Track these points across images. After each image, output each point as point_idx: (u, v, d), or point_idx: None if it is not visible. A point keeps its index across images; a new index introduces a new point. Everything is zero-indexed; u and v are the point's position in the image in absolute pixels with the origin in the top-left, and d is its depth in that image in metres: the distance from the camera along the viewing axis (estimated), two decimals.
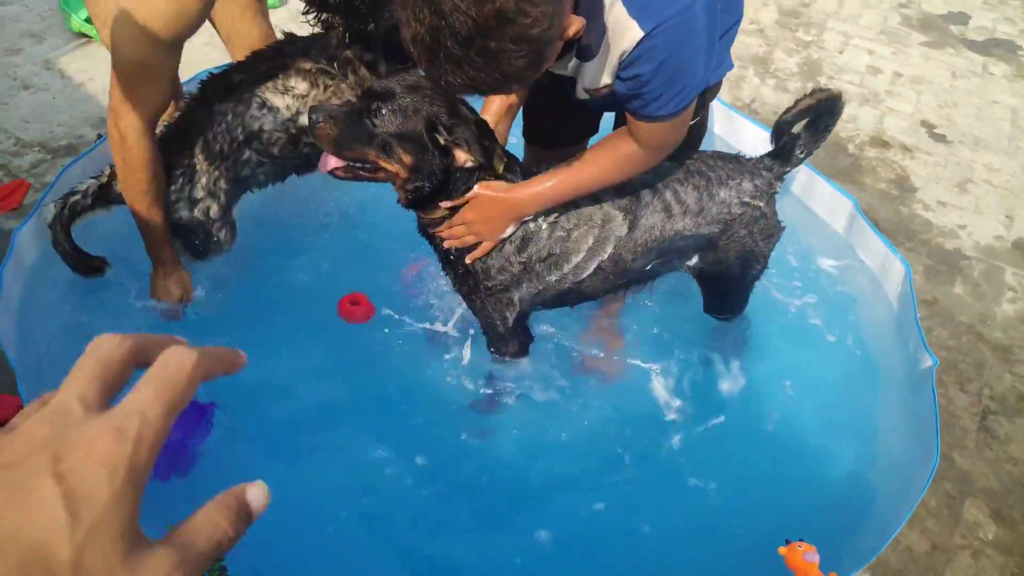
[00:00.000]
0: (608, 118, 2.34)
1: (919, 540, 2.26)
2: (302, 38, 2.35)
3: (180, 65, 2.14)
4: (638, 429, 2.40)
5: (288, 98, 2.31)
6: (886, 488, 2.25)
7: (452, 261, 2.09)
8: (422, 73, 1.89)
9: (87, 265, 2.43)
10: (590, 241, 2.05)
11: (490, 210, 1.91)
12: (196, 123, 2.29)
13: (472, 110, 1.90)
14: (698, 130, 2.27)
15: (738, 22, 1.96)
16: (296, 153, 2.42)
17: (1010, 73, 4.44)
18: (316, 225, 2.93)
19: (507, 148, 2.03)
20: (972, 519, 2.32)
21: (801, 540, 1.94)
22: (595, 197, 2.04)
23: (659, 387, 2.47)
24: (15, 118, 3.45)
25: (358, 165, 1.88)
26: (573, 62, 1.81)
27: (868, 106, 4.10)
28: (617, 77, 1.74)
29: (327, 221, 2.95)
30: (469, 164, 1.87)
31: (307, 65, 2.31)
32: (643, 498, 2.27)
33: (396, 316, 2.57)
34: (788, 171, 2.24)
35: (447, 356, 2.48)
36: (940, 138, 3.90)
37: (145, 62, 1.97)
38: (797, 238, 2.94)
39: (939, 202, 3.51)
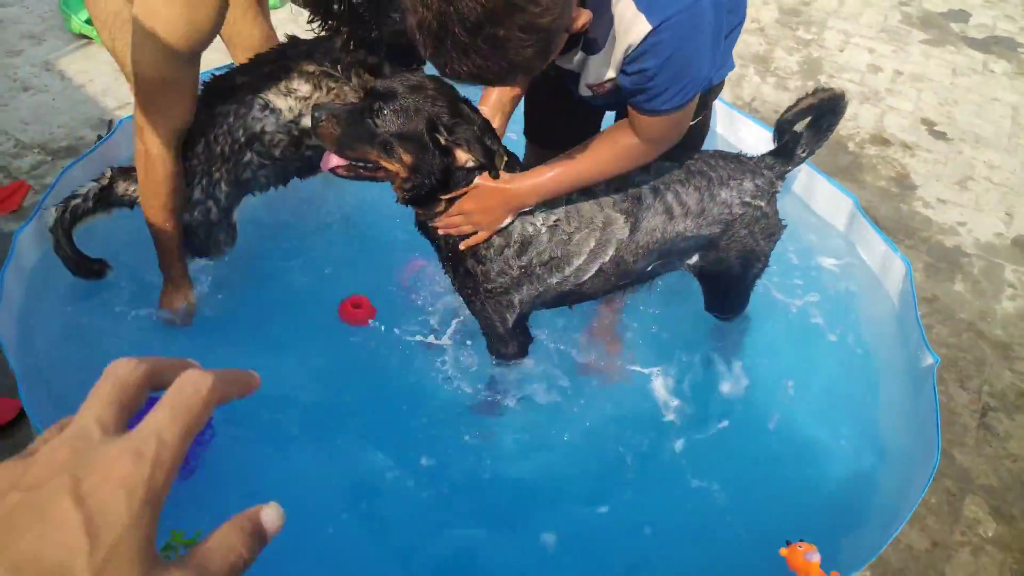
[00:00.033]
0: (609, 116, 2.34)
1: (919, 538, 2.26)
2: (305, 41, 2.35)
3: None
4: (639, 430, 2.40)
5: (291, 100, 2.32)
6: (887, 486, 2.25)
7: (452, 263, 2.10)
8: (425, 73, 1.90)
9: (88, 269, 2.43)
10: (592, 244, 2.05)
11: (490, 200, 1.91)
12: (197, 124, 2.29)
13: (475, 110, 1.90)
14: (700, 130, 2.27)
15: (741, 23, 1.96)
16: (298, 155, 2.42)
17: (1010, 70, 4.44)
18: (317, 227, 2.93)
19: (506, 145, 2.03)
20: (972, 516, 2.33)
21: (801, 540, 1.94)
22: (596, 199, 2.04)
23: (660, 388, 2.47)
24: (15, 120, 3.46)
25: (359, 164, 1.88)
26: (578, 56, 1.80)
27: (868, 104, 4.10)
28: (622, 71, 1.74)
29: (328, 222, 2.95)
30: (470, 164, 1.87)
31: (310, 68, 2.32)
32: (645, 499, 2.27)
33: (397, 318, 2.57)
34: (790, 170, 2.24)
35: (448, 358, 2.48)
36: (940, 136, 3.90)
37: (163, 77, 1.99)
38: (798, 236, 2.94)
39: (939, 199, 3.51)
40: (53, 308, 2.54)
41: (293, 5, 2.22)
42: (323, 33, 2.13)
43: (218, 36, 2.63)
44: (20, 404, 2.24)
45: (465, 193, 1.92)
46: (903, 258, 2.73)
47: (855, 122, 3.94)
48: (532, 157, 2.46)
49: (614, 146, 1.90)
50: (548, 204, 2.02)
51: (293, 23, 3.85)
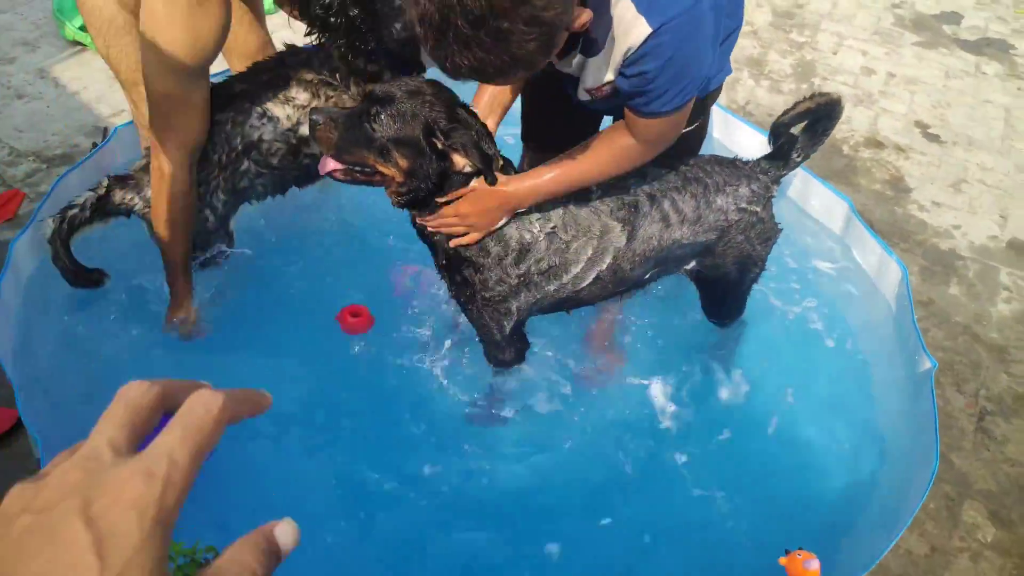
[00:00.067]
0: (607, 119, 2.34)
1: (918, 543, 2.27)
2: (304, 49, 2.35)
3: None
4: (639, 438, 2.40)
5: (289, 108, 2.31)
6: (885, 492, 2.26)
7: (450, 271, 2.09)
8: (424, 79, 1.90)
9: (86, 279, 2.42)
10: (589, 252, 2.05)
11: (488, 202, 1.91)
12: None
13: (473, 114, 1.90)
14: (698, 136, 2.27)
15: (738, 28, 1.97)
16: (296, 164, 2.42)
17: (1002, 72, 4.46)
18: (314, 236, 2.92)
19: (501, 148, 2.03)
20: (971, 521, 2.33)
21: (800, 548, 1.95)
22: (594, 208, 2.04)
23: (659, 395, 2.47)
24: (9, 127, 3.44)
25: (356, 168, 1.88)
26: (577, 58, 1.80)
27: (862, 107, 4.11)
28: (620, 74, 1.74)
29: (326, 230, 2.94)
30: (468, 169, 1.87)
31: (309, 76, 2.31)
32: (645, 507, 2.27)
33: (395, 327, 2.57)
34: (785, 174, 2.24)
35: (446, 366, 2.48)
36: (934, 138, 3.92)
37: (172, 94, 2.01)
38: (794, 240, 2.95)
39: (934, 202, 3.52)
40: (50, 317, 2.53)
41: (282, 8, 2.22)
42: (321, 42, 2.14)
43: None
44: (17, 414, 2.23)
45: (462, 196, 1.91)
46: (899, 262, 2.74)
47: (849, 125, 3.95)
48: (529, 161, 2.46)
49: (612, 148, 1.90)
50: (545, 212, 2.02)
51: (287, 28, 3.84)
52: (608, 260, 2.08)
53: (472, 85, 2.15)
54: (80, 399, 2.35)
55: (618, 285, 2.19)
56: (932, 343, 2.80)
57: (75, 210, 2.29)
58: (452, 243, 1.99)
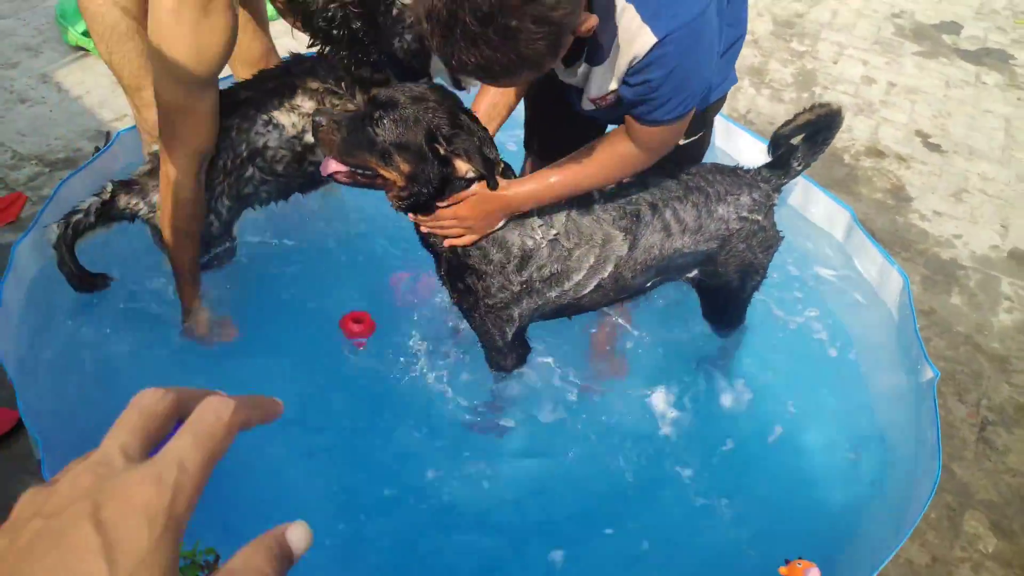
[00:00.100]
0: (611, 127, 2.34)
1: (919, 553, 2.26)
2: (309, 58, 2.36)
3: None
4: (640, 446, 2.40)
5: (294, 116, 2.32)
6: (887, 501, 2.26)
7: (452, 278, 2.09)
8: (429, 84, 1.90)
9: (91, 283, 2.42)
10: (591, 260, 2.06)
11: (487, 207, 1.90)
12: None
13: (476, 120, 1.90)
14: (701, 146, 2.28)
15: (742, 36, 1.97)
16: (300, 171, 2.42)
17: (1002, 82, 4.47)
18: (317, 241, 2.92)
19: (503, 155, 2.03)
20: (972, 531, 2.33)
21: (800, 558, 1.95)
22: (596, 216, 2.04)
23: (661, 404, 2.47)
24: (12, 131, 3.45)
25: (358, 171, 1.88)
26: (583, 67, 1.80)
27: (863, 116, 4.12)
28: (624, 82, 1.74)
29: (328, 235, 2.94)
30: (470, 175, 1.87)
31: (314, 84, 2.32)
32: (647, 515, 2.27)
33: (397, 333, 2.57)
34: (786, 182, 2.25)
35: (448, 372, 2.48)
36: (935, 148, 3.93)
37: (180, 102, 2.01)
38: (795, 248, 2.95)
39: (935, 212, 3.53)
40: (51, 319, 2.54)
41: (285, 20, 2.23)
42: (324, 53, 2.15)
43: None
44: (18, 415, 2.23)
45: (462, 200, 1.91)
46: (900, 271, 2.74)
47: (850, 134, 3.96)
48: (531, 168, 2.47)
49: (612, 155, 1.90)
50: (548, 219, 2.02)
51: (288, 35, 3.85)
52: (610, 268, 2.08)
53: (474, 92, 2.17)
54: (81, 400, 2.35)
55: (619, 293, 2.19)
56: (933, 353, 2.80)
57: (79, 215, 2.29)
58: (447, 243, 1.98)
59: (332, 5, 1.99)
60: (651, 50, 1.62)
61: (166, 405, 0.50)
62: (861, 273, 2.94)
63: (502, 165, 1.94)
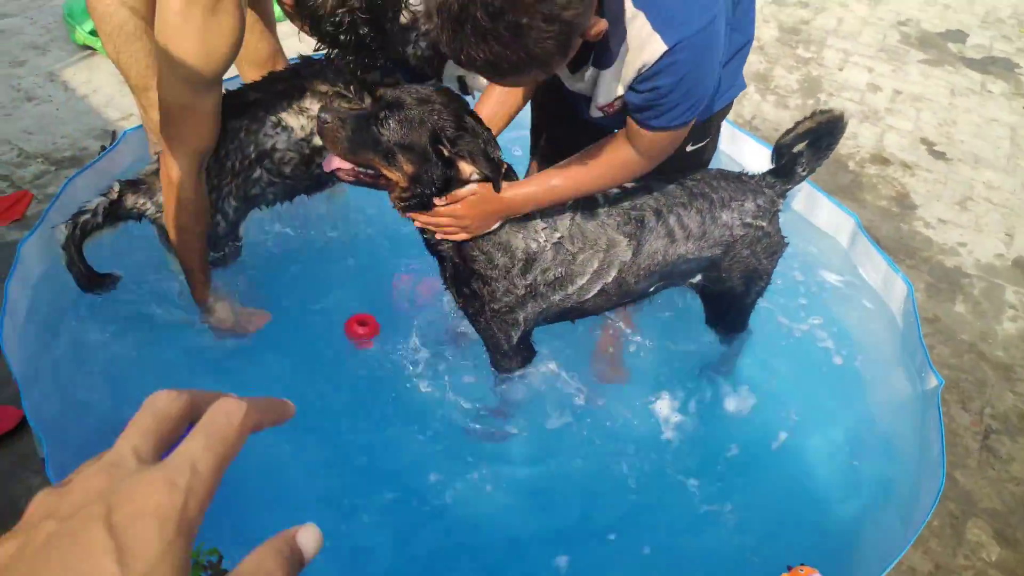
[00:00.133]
0: None
1: (922, 561, 2.26)
2: (319, 60, 2.36)
3: None
4: (644, 451, 2.40)
5: (303, 119, 2.32)
6: (890, 509, 2.25)
7: (457, 282, 2.09)
8: (434, 87, 1.90)
9: (99, 284, 2.41)
10: (595, 264, 2.05)
11: (486, 207, 1.90)
12: None
13: (481, 123, 1.90)
14: (708, 152, 2.28)
15: (749, 42, 1.97)
16: (307, 174, 2.43)
17: (1008, 91, 4.47)
18: (322, 243, 2.92)
19: (508, 160, 2.03)
20: (975, 540, 2.32)
21: (803, 564, 1.94)
22: (600, 221, 2.04)
23: (665, 409, 2.47)
24: (18, 129, 3.46)
25: (360, 170, 1.88)
26: (590, 72, 1.80)
27: (868, 123, 4.12)
28: (631, 88, 1.74)
29: (333, 238, 2.95)
30: (475, 177, 1.87)
31: (323, 87, 2.33)
32: (651, 521, 2.26)
33: (401, 336, 2.57)
34: (790, 188, 2.25)
35: (451, 375, 2.48)
36: (940, 155, 3.93)
37: (184, 102, 2.00)
38: (799, 255, 2.95)
39: (939, 219, 3.53)
40: (56, 317, 2.54)
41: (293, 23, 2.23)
42: (331, 57, 2.15)
43: None
44: (22, 413, 2.23)
45: (461, 199, 1.89)
46: (905, 279, 2.74)
47: (855, 141, 3.96)
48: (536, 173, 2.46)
49: (611, 160, 1.90)
50: (551, 222, 2.02)
51: (295, 37, 3.85)
52: (614, 273, 2.08)
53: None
54: (85, 399, 2.36)
55: (623, 297, 2.19)
56: (937, 360, 2.80)
57: (87, 215, 2.29)
58: (438, 235, 1.97)
59: (340, 10, 1.99)
60: (661, 58, 1.62)
61: (179, 407, 0.50)
62: (866, 280, 2.94)
63: (505, 167, 1.94)
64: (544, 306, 2.11)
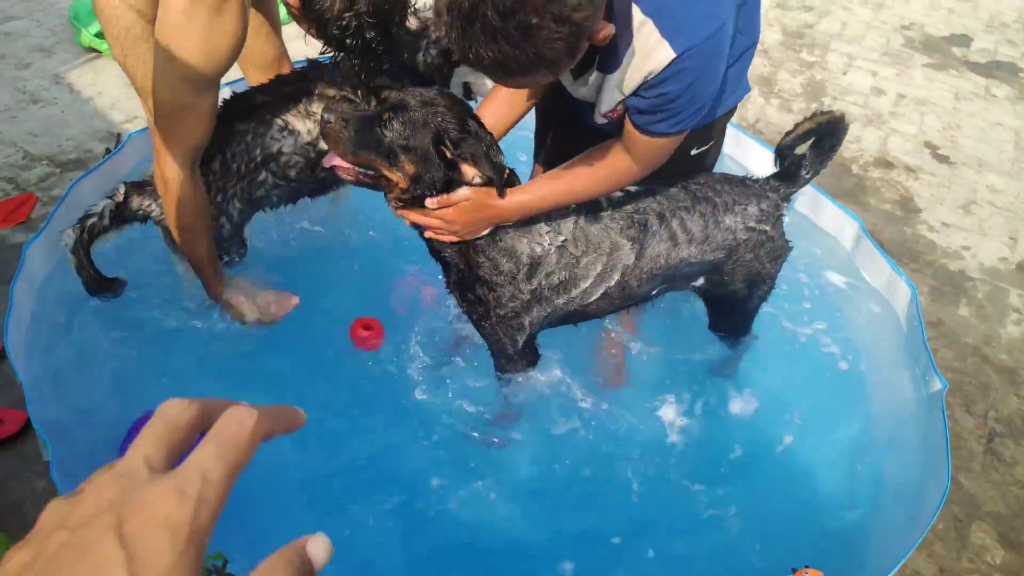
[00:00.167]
0: None
1: (926, 564, 2.26)
2: (326, 64, 2.37)
3: None
4: (648, 455, 2.40)
5: (310, 122, 2.33)
6: (895, 512, 2.25)
7: (461, 288, 2.09)
8: (438, 91, 1.91)
9: (108, 288, 2.42)
10: (598, 268, 2.05)
11: (477, 214, 1.89)
12: (215, 141, 2.29)
13: (483, 126, 1.90)
14: (713, 155, 2.28)
15: (754, 45, 1.97)
16: (312, 177, 2.43)
17: (1012, 95, 4.47)
18: (326, 247, 2.92)
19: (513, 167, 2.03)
20: (979, 543, 2.32)
21: (807, 567, 1.94)
22: (603, 225, 2.04)
23: (669, 413, 2.47)
24: (23, 132, 3.47)
25: (361, 170, 1.88)
26: (594, 76, 1.80)
27: (872, 127, 4.12)
28: (636, 94, 1.74)
29: (338, 241, 2.95)
30: (477, 180, 1.87)
31: (331, 91, 2.33)
32: (653, 525, 2.27)
33: (405, 340, 2.57)
34: (795, 192, 2.24)
35: (456, 381, 2.48)
36: (944, 159, 3.93)
37: (183, 103, 2.00)
38: (804, 256, 2.95)
39: (943, 223, 3.52)
40: (61, 320, 2.54)
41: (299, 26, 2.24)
42: (337, 60, 2.16)
43: None
44: (27, 416, 2.23)
45: (454, 204, 1.88)
46: (908, 282, 2.74)
47: (859, 145, 3.96)
48: None
49: (605, 168, 1.90)
50: (555, 225, 2.01)
51: (300, 40, 3.86)
52: (617, 277, 2.08)
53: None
54: (90, 402, 2.36)
55: (626, 301, 2.19)
56: (941, 364, 2.79)
57: (93, 218, 2.29)
58: (427, 234, 1.97)
59: (347, 14, 1.99)
60: (669, 65, 1.62)
61: (191, 416, 0.50)
62: (870, 284, 2.94)
63: (508, 172, 1.94)
64: (548, 310, 2.11)
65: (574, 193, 1.93)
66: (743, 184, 2.19)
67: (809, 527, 2.26)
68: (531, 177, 2.54)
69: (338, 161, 1.86)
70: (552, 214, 2.00)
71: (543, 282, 2.03)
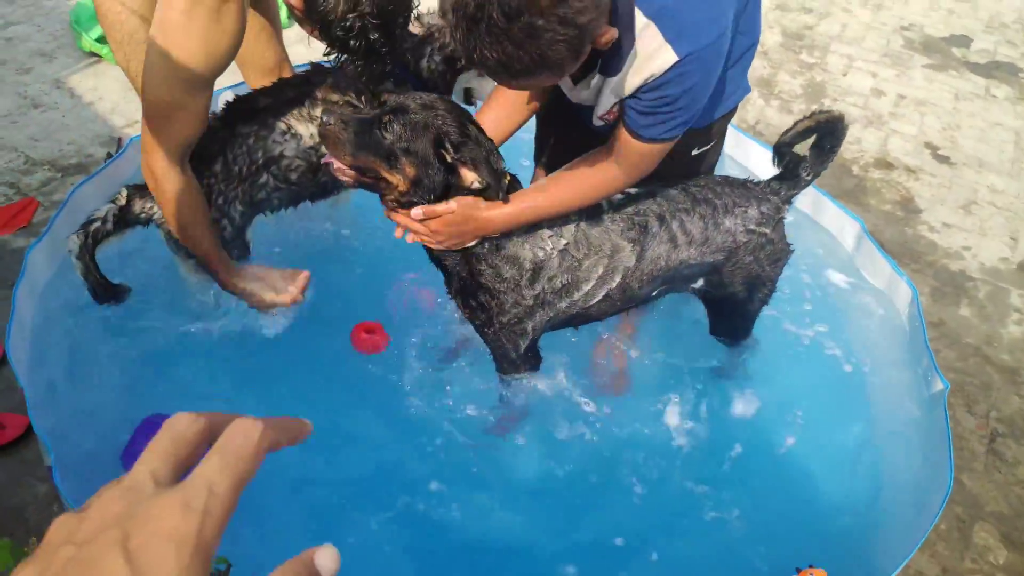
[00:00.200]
0: None
1: (929, 564, 2.25)
2: (330, 69, 2.38)
3: None
4: (650, 458, 2.39)
5: (312, 126, 2.33)
6: (897, 512, 2.25)
7: (464, 296, 2.08)
8: (437, 96, 1.91)
9: (114, 294, 2.41)
10: (600, 270, 2.05)
11: (463, 227, 1.88)
12: (217, 143, 2.30)
13: (483, 132, 1.90)
14: (712, 156, 2.28)
15: (754, 45, 1.97)
16: (314, 181, 2.43)
17: (1012, 96, 4.47)
18: (327, 251, 2.92)
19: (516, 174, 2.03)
20: (982, 543, 2.32)
21: (811, 566, 1.94)
22: (604, 227, 2.04)
23: (672, 415, 2.47)
24: (25, 136, 3.47)
25: (359, 172, 1.87)
26: (596, 79, 1.81)
27: (872, 128, 4.12)
28: (634, 96, 1.74)
29: (338, 243, 2.95)
30: (476, 185, 1.86)
31: (334, 96, 2.34)
32: (656, 526, 2.26)
33: (406, 343, 2.57)
34: (796, 194, 2.24)
35: (458, 384, 2.48)
36: (944, 160, 3.93)
37: (177, 102, 1.99)
38: (805, 260, 2.95)
39: (944, 224, 3.52)
40: (63, 324, 2.54)
41: (303, 28, 2.24)
42: (340, 62, 2.16)
43: None
44: (28, 420, 2.23)
45: (438, 215, 1.87)
46: (909, 283, 2.74)
47: (859, 146, 3.97)
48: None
49: (593, 178, 1.90)
50: (557, 229, 2.01)
51: (301, 44, 3.87)
52: (618, 279, 2.08)
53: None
54: (91, 407, 2.36)
55: (627, 303, 2.20)
56: (943, 364, 2.79)
57: (97, 223, 2.29)
58: (409, 239, 1.96)
59: (351, 15, 1.99)
60: (671, 68, 1.63)
61: (197, 430, 0.50)
62: (871, 284, 2.94)
63: (509, 178, 1.94)
64: (551, 314, 2.11)
65: (561, 204, 1.93)
66: (744, 186, 2.19)
67: (812, 529, 2.25)
68: (532, 180, 2.55)
69: (336, 163, 1.86)
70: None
71: (546, 286, 2.03)
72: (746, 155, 3.31)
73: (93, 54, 3.96)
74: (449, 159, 1.82)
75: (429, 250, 2.01)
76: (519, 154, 2.61)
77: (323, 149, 2.31)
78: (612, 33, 1.58)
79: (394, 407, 2.46)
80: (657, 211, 2.08)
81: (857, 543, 2.20)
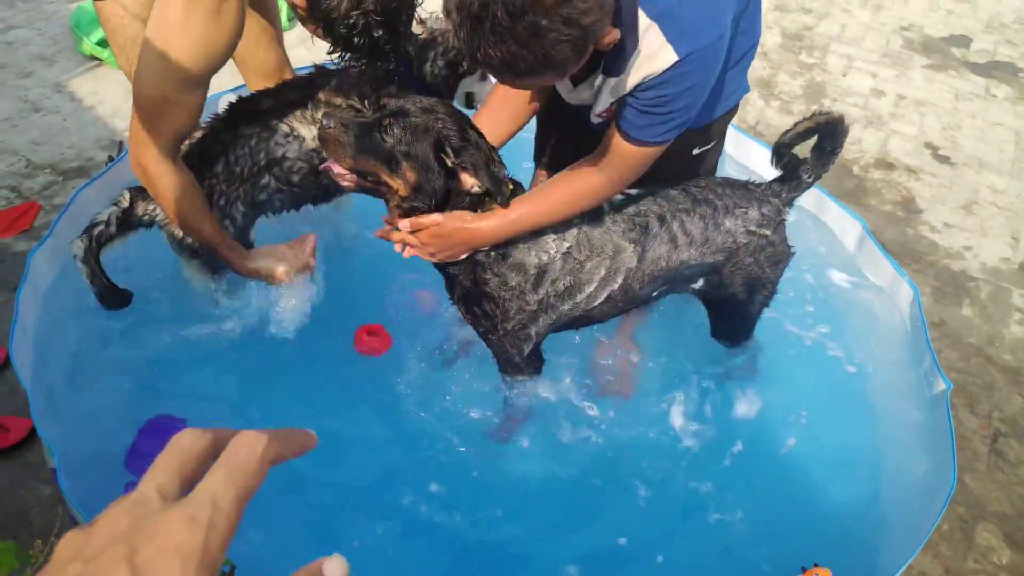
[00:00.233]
0: None
1: (932, 564, 2.25)
2: (333, 71, 2.38)
3: None
4: (653, 459, 2.39)
5: (315, 129, 2.33)
6: (900, 512, 2.25)
7: (467, 302, 2.08)
8: (438, 100, 1.91)
9: (120, 298, 2.41)
10: (602, 272, 2.05)
11: (451, 239, 1.88)
12: (220, 144, 2.30)
13: (482, 136, 1.90)
14: (713, 156, 2.28)
15: (755, 46, 1.98)
16: (315, 184, 2.44)
17: (1012, 95, 4.47)
18: (329, 251, 2.92)
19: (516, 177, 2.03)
20: (985, 543, 2.32)
21: (816, 565, 1.94)
22: (606, 228, 2.04)
23: (676, 416, 2.47)
24: (26, 140, 3.48)
25: (359, 175, 1.87)
26: (598, 80, 1.81)
27: (872, 128, 4.13)
28: (632, 94, 1.75)
29: (340, 246, 2.95)
30: (476, 190, 1.86)
31: (337, 100, 2.34)
32: (662, 528, 2.26)
33: (411, 345, 2.57)
34: (797, 196, 2.24)
35: (460, 386, 2.48)
36: (944, 160, 3.93)
37: (171, 97, 1.98)
38: (807, 261, 2.95)
39: (945, 224, 3.53)
40: (66, 328, 2.54)
41: (303, 28, 2.23)
42: (344, 62, 2.16)
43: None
44: (32, 423, 2.24)
45: (425, 227, 1.88)
46: (911, 283, 2.74)
47: (859, 146, 3.97)
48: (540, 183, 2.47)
49: (581, 187, 1.90)
50: (560, 233, 2.01)
51: (302, 46, 3.88)
52: (620, 280, 2.08)
53: None
54: (95, 409, 2.36)
55: (628, 304, 2.19)
56: (945, 364, 2.79)
57: (100, 227, 2.29)
58: (405, 254, 1.97)
59: (354, 13, 1.99)
60: (671, 67, 1.64)
61: (203, 445, 0.51)
62: (873, 284, 2.94)
63: (511, 185, 1.94)
64: (554, 317, 2.11)
65: (550, 214, 1.93)
66: (745, 188, 2.19)
67: (815, 529, 2.25)
68: (532, 181, 2.55)
69: (338, 168, 1.86)
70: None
71: (549, 290, 2.03)
72: (746, 155, 3.31)
73: (94, 58, 3.96)
74: (449, 163, 1.82)
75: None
76: (520, 156, 2.61)
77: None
78: (615, 34, 1.58)
79: (397, 409, 2.46)
80: (658, 211, 2.08)
81: (860, 543, 2.20)
